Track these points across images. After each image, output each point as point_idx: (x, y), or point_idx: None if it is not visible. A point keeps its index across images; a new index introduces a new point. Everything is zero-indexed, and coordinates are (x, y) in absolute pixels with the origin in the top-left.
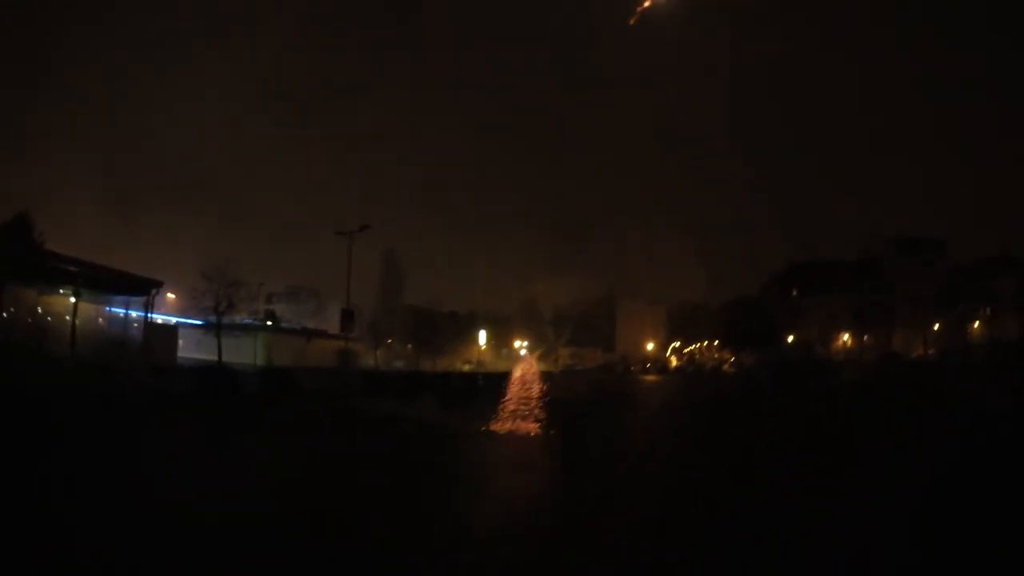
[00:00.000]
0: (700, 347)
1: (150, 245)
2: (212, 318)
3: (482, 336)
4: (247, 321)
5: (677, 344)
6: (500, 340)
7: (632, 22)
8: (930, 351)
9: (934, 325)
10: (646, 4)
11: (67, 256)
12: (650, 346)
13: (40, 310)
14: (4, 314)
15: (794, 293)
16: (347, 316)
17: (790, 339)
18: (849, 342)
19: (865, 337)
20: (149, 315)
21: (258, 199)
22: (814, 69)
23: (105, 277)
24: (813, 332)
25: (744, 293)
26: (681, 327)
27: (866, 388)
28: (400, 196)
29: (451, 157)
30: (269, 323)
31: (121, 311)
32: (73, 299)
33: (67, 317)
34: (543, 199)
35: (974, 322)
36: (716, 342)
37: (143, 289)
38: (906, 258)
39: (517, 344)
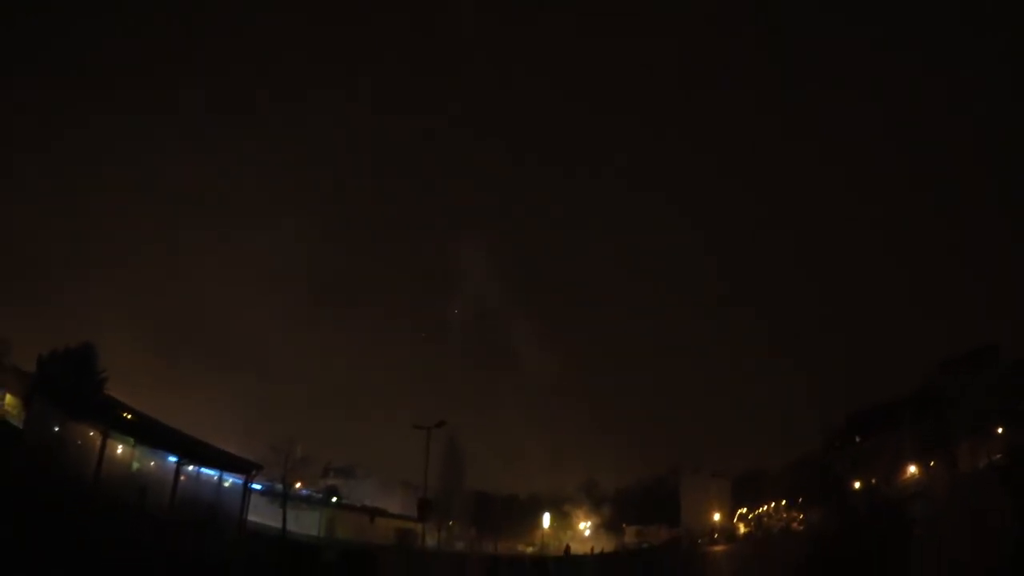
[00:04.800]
0: (768, 509)
1: (194, 396)
2: (276, 485)
3: (546, 519)
4: (307, 493)
5: (744, 511)
6: (562, 521)
7: None
8: (995, 456)
9: (997, 428)
10: None
11: (169, 426)
12: (716, 516)
13: (136, 466)
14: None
15: (857, 440)
16: (426, 505)
17: (856, 485)
18: (917, 472)
19: (932, 463)
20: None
21: (302, 367)
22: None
23: (211, 454)
24: (879, 474)
25: (807, 449)
26: (746, 493)
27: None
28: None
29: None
30: (334, 499)
31: (215, 474)
32: (174, 460)
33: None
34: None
35: None
36: (783, 502)
37: (243, 469)
38: (959, 377)
39: (581, 526)
